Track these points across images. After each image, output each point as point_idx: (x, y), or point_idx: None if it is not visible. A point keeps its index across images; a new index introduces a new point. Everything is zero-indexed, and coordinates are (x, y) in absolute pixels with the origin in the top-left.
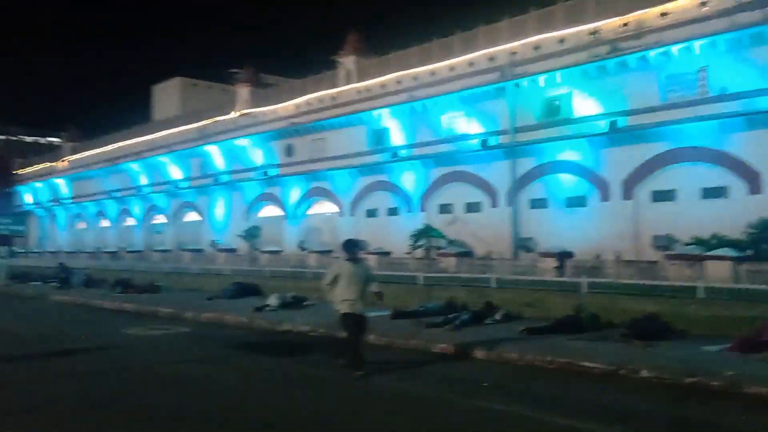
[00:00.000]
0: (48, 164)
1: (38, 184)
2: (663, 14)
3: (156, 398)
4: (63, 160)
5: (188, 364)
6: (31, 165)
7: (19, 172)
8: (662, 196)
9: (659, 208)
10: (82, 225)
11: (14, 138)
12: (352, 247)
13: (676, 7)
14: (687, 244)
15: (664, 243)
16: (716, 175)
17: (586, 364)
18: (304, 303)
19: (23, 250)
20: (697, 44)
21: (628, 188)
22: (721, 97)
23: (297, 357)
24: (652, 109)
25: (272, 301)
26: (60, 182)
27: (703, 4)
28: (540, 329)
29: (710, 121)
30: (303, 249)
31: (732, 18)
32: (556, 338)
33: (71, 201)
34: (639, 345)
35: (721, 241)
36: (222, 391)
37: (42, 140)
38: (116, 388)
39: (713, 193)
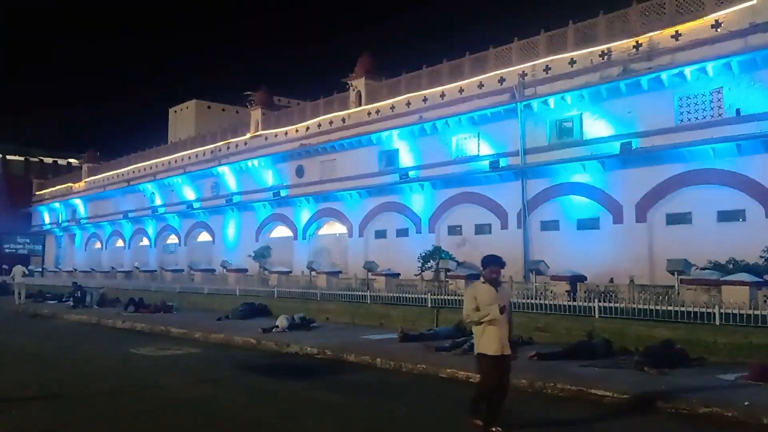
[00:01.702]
0: (66, 185)
1: (56, 205)
2: (675, 35)
3: (169, 421)
4: (81, 182)
5: (199, 386)
6: (50, 186)
7: (38, 192)
8: (677, 219)
9: (674, 232)
10: (97, 245)
11: (34, 159)
12: (493, 264)
13: (689, 29)
14: (703, 269)
15: (678, 267)
16: (732, 198)
17: (598, 392)
18: (312, 324)
19: (40, 269)
20: (710, 66)
21: (642, 211)
22: (737, 119)
23: (305, 380)
24: (665, 131)
25: (280, 322)
26: (77, 202)
27: (717, 25)
28: (551, 355)
29: (725, 143)
30: (312, 270)
31: (746, 39)
32: (567, 364)
33: (87, 221)
34: (653, 373)
35: (738, 266)
36: (233, 416)
37: (61, 161)
38: (128, 410)
39: (729, 216)
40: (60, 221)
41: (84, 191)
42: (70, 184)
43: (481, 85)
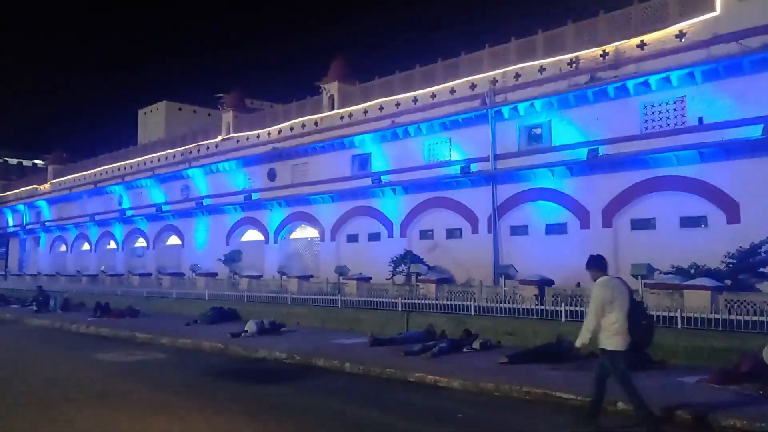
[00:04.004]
0: (31, 187)
1: (21, 207)
2: (641, 45)
3: (133, 428)
4: (46, 183)
5: (162, 392)
6: (15, 187)
7: (2, 194)
8: (641, 224)
9: (638, 237)
10: (62, 248)
11: None
12: (602, 263)
13: (654, 39)
14: (666, 273)
15: (642, 272)
16: (695, 205)
17: (563, 395)
18: (282, 329)
19: (3, 273)
20: (674, 75)
21: (608, 216)
22: (699, 127)
23: (272, 385)
24: (630, 138)
25: (249, 327)
26: (42, 204)
27: (681, 35)
28: (520, 358)
29: (688, 150)
30: (283, 274)
31: (709, 50)
32: (534, 368)
33: (53, 223)
34: None
35: (699, 271)
36: (197, 422)
37: (26, 162)
38: (87, 416)
39: (692, 222)
40: (24, 223)
41: (49, 193)
42: (35, 186)
43: (452, 91)
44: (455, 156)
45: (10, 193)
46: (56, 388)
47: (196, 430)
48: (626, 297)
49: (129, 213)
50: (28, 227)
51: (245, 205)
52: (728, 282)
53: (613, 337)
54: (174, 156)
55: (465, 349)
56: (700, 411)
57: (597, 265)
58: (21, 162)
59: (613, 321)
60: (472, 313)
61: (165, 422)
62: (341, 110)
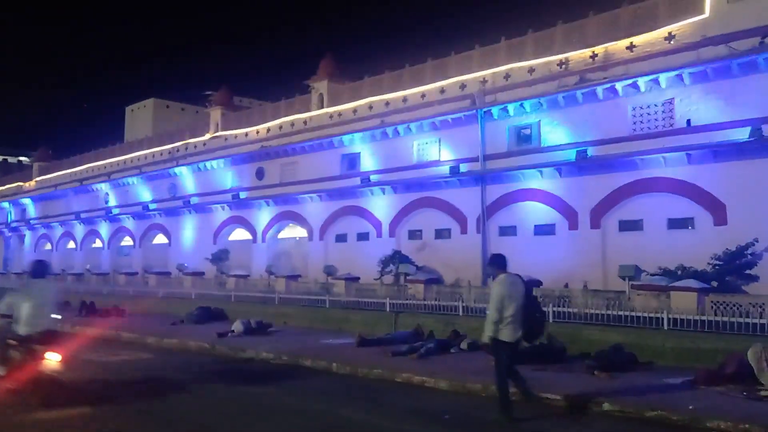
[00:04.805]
0: (16, 184)
1: (5, 204)
2: (630, 47)
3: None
4: (31, 181)
5: (147, 392)
6: None
7: None
8: (629, 225)
9: (626, 238)
10: (47, 246)
11: None
12: (501, 262)
13: (643, 41)
14: (653, 275)
15: (629, 273)
16: (682, 206)
17: (549, 395)
18: (270, 329)
19: None
20: (663, 77)
21: (596, 217)
22: (687, 129)
23: (258, 386)
24: (619, 140)
25: (236, 326)
26: (27, 202)
27: (670, 37)
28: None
29: (676, 152)
30: (270, 273)
31: (698, 52)
32: (522, 369)
33: (38, 221)
34: (603, 376)
35: (686, 272)
36: (181, 423)
37: (11, 159)
38: (73, 420)
39: (679, 223)
40: (9, 221)
41: (34, 190)
42: (19, 183)
43: (442, 91)
44: (444, 156)
45: None
46: None
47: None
48: (521, 293)
49: (115, 211)
50: (12, 225)
51: (233, 204)
52: (715, 284)
53: (505, 328)
54: (161, 154)
55: (453, 350)
56: (683, 412)
57: (497, 263)
58: (6, 159)
59: (508, 315)
60: (461, 313)
61: (150, 423)
62: (330, 109)
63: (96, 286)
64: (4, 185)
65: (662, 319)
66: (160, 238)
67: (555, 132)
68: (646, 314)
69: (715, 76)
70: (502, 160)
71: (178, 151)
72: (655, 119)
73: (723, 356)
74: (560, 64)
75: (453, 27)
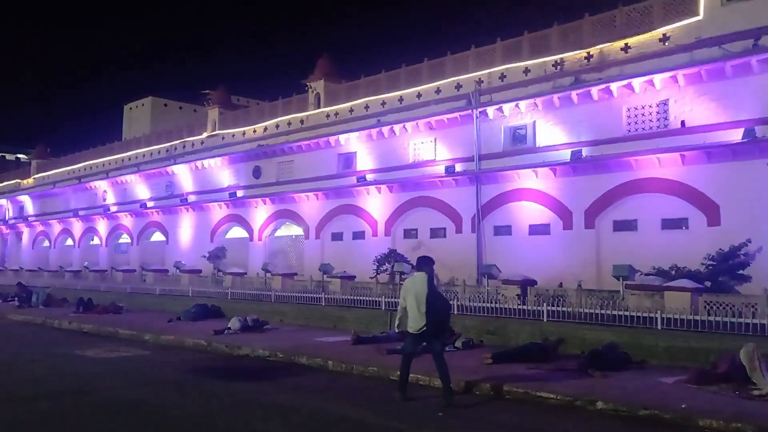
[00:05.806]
0: (14, 181)
1: (3, 201)
2: (625, 48)
3: (110, 424)
4: (29, 178)
5: (143, 388)
6: None
7: None
8: (623, 225)
9: (620, 238)
10: (45, 243)
11: None
12: (420, 263)
13: (638, 42)
14: (647, 275)
15: (623, 273)
16: (676, 207)
17: (543, 394)
18: (266, 326)
19: None
20: (657, 78)
21: (591, 217)
22: (681, 130)
23: (254, 382)
24: (614, 140)
25: (233, 324)
26: (25, 199)
27: (664, 39)
28: (504, 357)
29: (670, 153)
30: (267, 271)
31: (692, 53)
32: (516, 367)
33: (36, 219)
34: (597, 375)
35: (680, 273)
36: (177, 419)
37: (9, 156)
38: (70, 414)
39: (673, 224)
40: (6, 218)
41: (33, 188)
42: (18, 180)
43: (438, 91)
44: (440, 155)
45: None
46: (36, 384)
47: (176, 428)
48: (424, 289)
49: (113, 209)
50: (10, 222)
51: (230, 202)
52: (708, 284)
53: (407, 320)
54: (159, 152)
55: (447, 348)
56: (676, 411)
57: (418, 264)
58: (4, 156)
59: (409, 308)
60: (455, 312)
61: (146, 419)
62: (327, 108)
63: (93, 283)
64: (2, 182)
65: (656, 318)
66: (158, 236)
67: (550, 132)
68: (639, 314)
69: (709, 77)
70: (497, 160)
71: (175, 149)
72: (650, 120)
73: (716, 356)
74: (555, 64)
75: (449, 27)
